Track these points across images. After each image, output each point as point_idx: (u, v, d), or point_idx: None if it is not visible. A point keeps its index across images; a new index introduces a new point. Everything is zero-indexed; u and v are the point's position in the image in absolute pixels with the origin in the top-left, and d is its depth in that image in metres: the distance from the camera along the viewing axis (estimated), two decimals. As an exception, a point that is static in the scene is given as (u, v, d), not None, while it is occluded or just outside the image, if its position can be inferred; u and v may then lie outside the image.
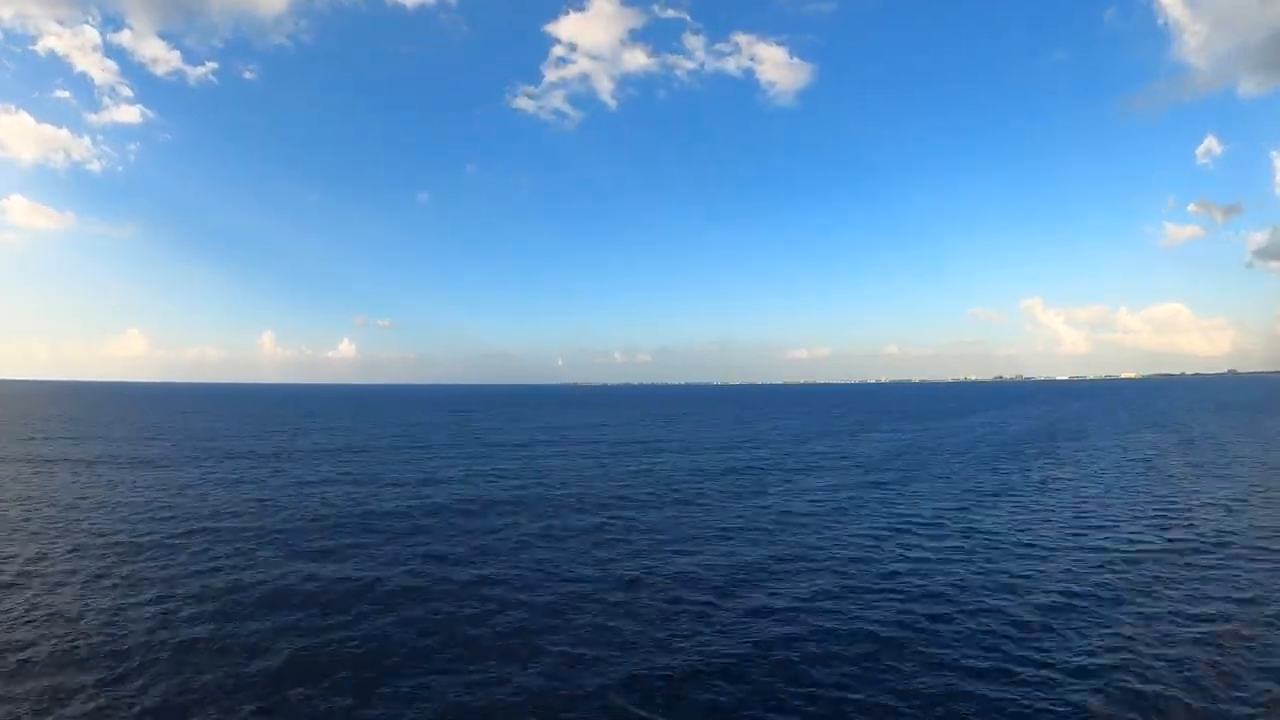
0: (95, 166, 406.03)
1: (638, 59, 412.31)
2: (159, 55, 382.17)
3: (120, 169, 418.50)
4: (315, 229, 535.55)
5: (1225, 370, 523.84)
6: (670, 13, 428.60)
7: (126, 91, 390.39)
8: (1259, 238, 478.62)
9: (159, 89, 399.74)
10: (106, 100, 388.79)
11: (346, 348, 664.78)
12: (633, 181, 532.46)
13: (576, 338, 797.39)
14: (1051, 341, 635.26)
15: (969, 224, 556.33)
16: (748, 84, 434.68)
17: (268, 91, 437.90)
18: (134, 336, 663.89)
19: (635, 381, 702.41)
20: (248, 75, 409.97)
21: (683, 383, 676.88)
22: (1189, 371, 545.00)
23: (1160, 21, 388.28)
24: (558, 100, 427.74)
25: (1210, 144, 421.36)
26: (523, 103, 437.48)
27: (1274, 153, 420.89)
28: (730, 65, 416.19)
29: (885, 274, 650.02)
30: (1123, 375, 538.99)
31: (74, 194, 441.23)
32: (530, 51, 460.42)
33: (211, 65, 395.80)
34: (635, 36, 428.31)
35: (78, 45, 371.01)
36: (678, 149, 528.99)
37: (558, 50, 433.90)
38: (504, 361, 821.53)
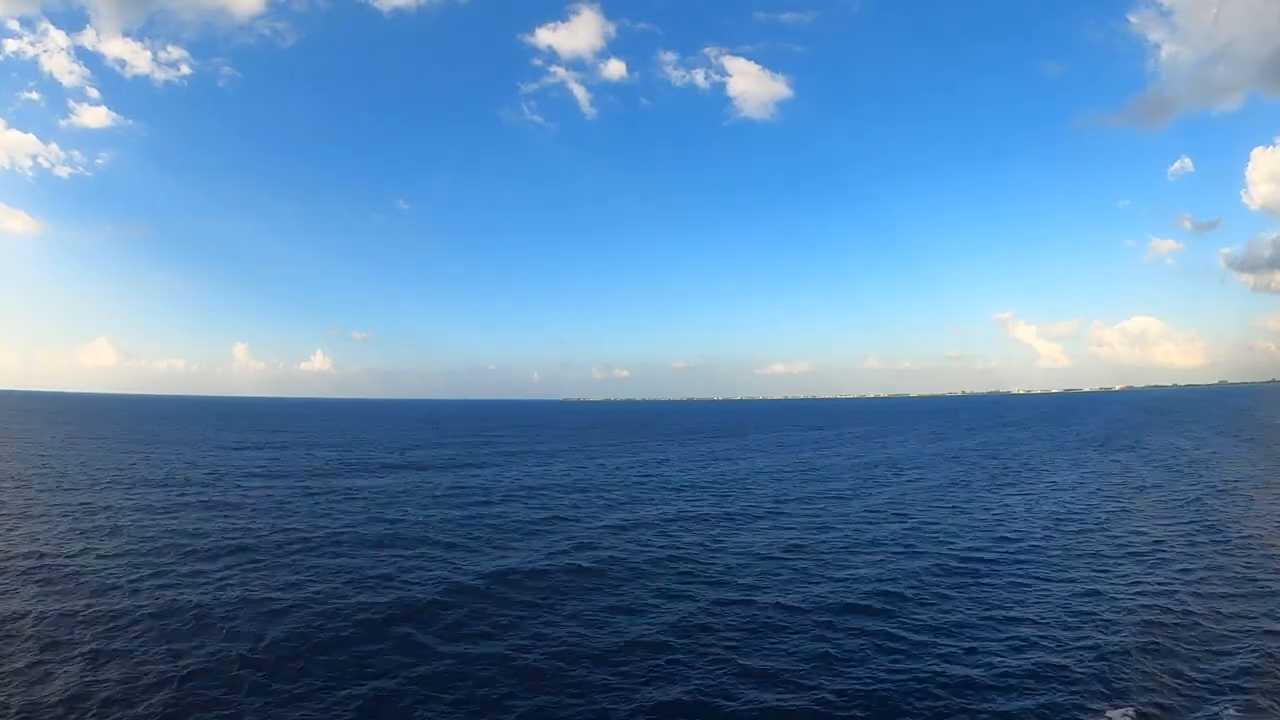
0: (64, 171, 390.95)
1: (616, 70, 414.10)
2: (127, 57, 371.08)
3: (89, 174, 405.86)
4: (290, 237, 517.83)
5: (1216, 381, 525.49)
6: (643, 25, 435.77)
7: (94, 94, 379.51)
8: (1233, 251, 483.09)
9: (128, 92, 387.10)
10: (73, 103, 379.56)
11: (321, 360, 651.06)
12: (612, 193, 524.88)
13: (554, 352, 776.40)
14: (1029, 355, 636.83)
15: (946, 237, 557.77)
16: (721, 98, 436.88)
17: (242, 96, 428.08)
18: (103, 346, 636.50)
19: (620, 398, 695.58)
20: (221, 81, 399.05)
21: (678, 399, 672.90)
22: (1180, 383, 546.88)
23: (1137, 37, 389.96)
24: (536, 109, 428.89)
25: (1185, 161, 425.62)
26: (502, 111, 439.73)
27: (1247, 167, 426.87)
28: (706, 79, 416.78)
29: (863, 287, 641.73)
30: (1116, 388, 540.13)
31: (41, 200, 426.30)
32: (509, 60, 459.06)
33: (184, 69, 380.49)
34: (613, 48, 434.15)
35: (44, 49, 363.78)
36: (656, 161, 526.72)
37: (536, 60, 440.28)
38: (483, 376, 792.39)
